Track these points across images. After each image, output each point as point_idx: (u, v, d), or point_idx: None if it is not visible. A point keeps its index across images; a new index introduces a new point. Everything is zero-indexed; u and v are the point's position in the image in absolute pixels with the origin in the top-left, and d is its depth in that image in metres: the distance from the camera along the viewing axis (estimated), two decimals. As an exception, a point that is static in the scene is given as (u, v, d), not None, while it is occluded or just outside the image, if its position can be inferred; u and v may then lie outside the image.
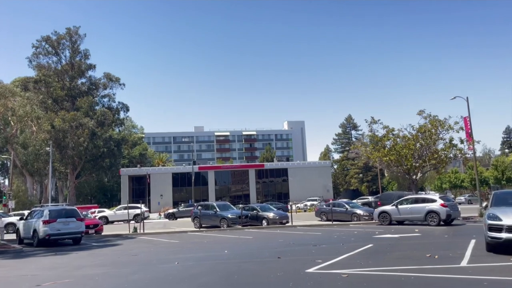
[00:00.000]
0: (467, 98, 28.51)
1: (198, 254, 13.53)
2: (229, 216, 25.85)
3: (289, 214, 27.09)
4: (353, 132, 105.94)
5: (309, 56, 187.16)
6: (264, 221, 26.44)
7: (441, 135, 25.07)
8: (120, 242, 19.56)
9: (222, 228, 25.38)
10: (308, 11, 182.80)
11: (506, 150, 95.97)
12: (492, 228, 10.64)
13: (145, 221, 28.43)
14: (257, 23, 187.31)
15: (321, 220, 28.74)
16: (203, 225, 26.60)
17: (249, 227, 25.58)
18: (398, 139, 25.60)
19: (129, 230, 24.39)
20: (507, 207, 11.37)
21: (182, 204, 48.84)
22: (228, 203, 32.72)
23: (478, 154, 79.83)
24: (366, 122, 26.51)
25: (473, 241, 13.31)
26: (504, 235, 10.35)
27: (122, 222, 36.06)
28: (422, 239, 15.34)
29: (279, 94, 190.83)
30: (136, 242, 19.49)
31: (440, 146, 25.33)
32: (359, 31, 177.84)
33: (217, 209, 26.78)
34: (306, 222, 27.96)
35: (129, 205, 30.22)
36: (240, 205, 31.96)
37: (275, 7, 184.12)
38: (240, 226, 25.40)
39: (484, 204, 12.31)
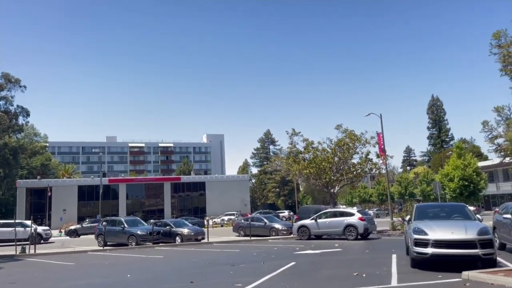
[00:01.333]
0: (381, 115, 29.56)
1: (94, 280, 11.31)
2: (139, 232, 23.42)
3: (205, 229, 25.41)
4: (271, 147, 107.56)
5: (228, 70, 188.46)
6: (178, 238, 24.43)
7: (357, 149, 25.52)
8: (0, 265, 16.26)
9: (130, 246, 22.87)
10: (226, 26, 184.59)
11: (408, 168, 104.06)
12: (418, 243, 10.14)
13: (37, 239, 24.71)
14: (177, 34, 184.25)
15: (239, 236, 27.49)
16: (108, 243, 23.80)
17: (161, 244, 23.43)
18: (318, 152, 25.52)
19: (16, 251, 20.78)
20: (431, 221, 11.06)
21: (87, 220, 44.39)
22: (138, 218, 30.03)
23: (384, 170, 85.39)
24: (287, 133, 26.17)
25: (394, 256, 12.90)
26: (430, 250, 9.88)
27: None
28: (344, 255, 14.73)
29: (198, 107, 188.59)
30: (22, 265, 16.37)
31: (356, 160, 25.79)
32: (276, 47, 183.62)
33: (125, 225, 24.16)
34: (223, 238, 26.48)
35: (16, 221, 26.07)
36: (152, 221, 29.42)
37: (194, 19, 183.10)
38: (151, 244, 23.12)
39: (407, 217, 11.88)
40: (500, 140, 11.05)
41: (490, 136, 11.38)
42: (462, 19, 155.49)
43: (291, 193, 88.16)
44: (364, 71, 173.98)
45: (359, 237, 20.52)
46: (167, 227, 25.47)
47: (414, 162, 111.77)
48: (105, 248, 22.45)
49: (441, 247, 9.82)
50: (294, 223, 24.35)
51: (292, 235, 23.93)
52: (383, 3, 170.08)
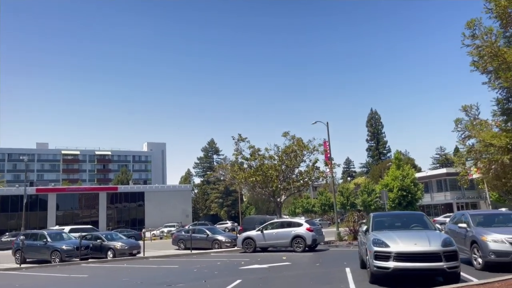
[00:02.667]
0: (327, 123, 29.18)
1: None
2: (64, 247, 20.71)
3: (142, 242, 23.21)
4: (215, 156, 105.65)
5: (171, 77, 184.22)
6: (110, 253, 22.06)
7: (305, 158, 24.71)
8: None
9: (53, 263, 20.13)
10: (166, 34, 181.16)
11: (349, 178, 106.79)
12: (379, 256, 9.12)
13: None
14: (116, 40, 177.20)
15: (179, 249, 25.54)
16: (28, 260, 20.89)
17: (90, 260, 20.95)
18: (265, 160, 24.33)
19: None
20: (390, 231, 10.12)
21: (7, 234, 39.90)
22: (65, 231, 27.02)
23: (331, 179, 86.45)
24: (233, 139, 24.69)
25: (348, 270, 11.89)
26: (392, 264, 8.90)
27: None
28: (294, 269, 13.49)
29: (139, 114, 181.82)
30: None
31: (303, 168, 24.95)
32: (220, 57, 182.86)
33: (48, 239, 21.32)
34: (161, 251, 24.37)
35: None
36: (80, 233, 26.54)
37: (132, 27, 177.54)
38: (78, 260, 20.54)
39: (364, 228, 10.90)
40: (472, 141, 10.45)
41: (463, 136, 10.64)
42: (401, 38, 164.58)
43: (235, 204, 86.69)
44: (308, 84, 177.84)
45: (306, 248, 19.51)
46: (98, 240, 22.98)
47: (354, 173, 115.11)
48: (22, 266, 19.53)
49: (404, 260, 8.87)
50: (238, 235, 22.92)
51: (236, 248, 22.53)
52: (326, 17, 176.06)
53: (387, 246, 9.14)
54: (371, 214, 11.60)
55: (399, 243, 9.13)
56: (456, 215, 14.04)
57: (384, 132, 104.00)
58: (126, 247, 22.15)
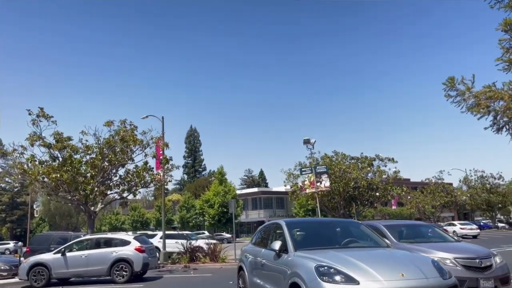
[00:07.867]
0: (163, 117, 23.90)
1: None
2: None
3: None
4: (1, 161, 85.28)
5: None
6: None
7: (135, 155, 18.59)
8: None
9: None
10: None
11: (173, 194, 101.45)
12: (338, 302, 4.58)
13: None
14: None
15: None
16: None
17: None
18: (77, 154, 17.00)
19: None
20: (333, 251, 5.67)
21: None
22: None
23: (139, 196, 79.03)
24: (30, 114, 16.32)
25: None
26: (365, 316, 4.47)
27: None
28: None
29: None
30: None
31: (132, 167, 18.74)
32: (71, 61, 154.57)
33: None
34: None
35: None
36: None
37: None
38: None
39: (277, 245, 6.11)
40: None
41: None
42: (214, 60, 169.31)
43: (23, 219, 70.28)
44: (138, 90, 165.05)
45: (133, 277, 13.59)
46: None
47: (167, 190, 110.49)
48: None
49: (388, 307, 4.55)
50: (23, 260, 15.17)
51: (18, 279, 14.85)
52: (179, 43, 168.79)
53: (352, 281, 4.67)
54: (281, 222, 6.89)
55: (373, 273, 4.77)
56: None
57: (201, 150, 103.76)
58: None
